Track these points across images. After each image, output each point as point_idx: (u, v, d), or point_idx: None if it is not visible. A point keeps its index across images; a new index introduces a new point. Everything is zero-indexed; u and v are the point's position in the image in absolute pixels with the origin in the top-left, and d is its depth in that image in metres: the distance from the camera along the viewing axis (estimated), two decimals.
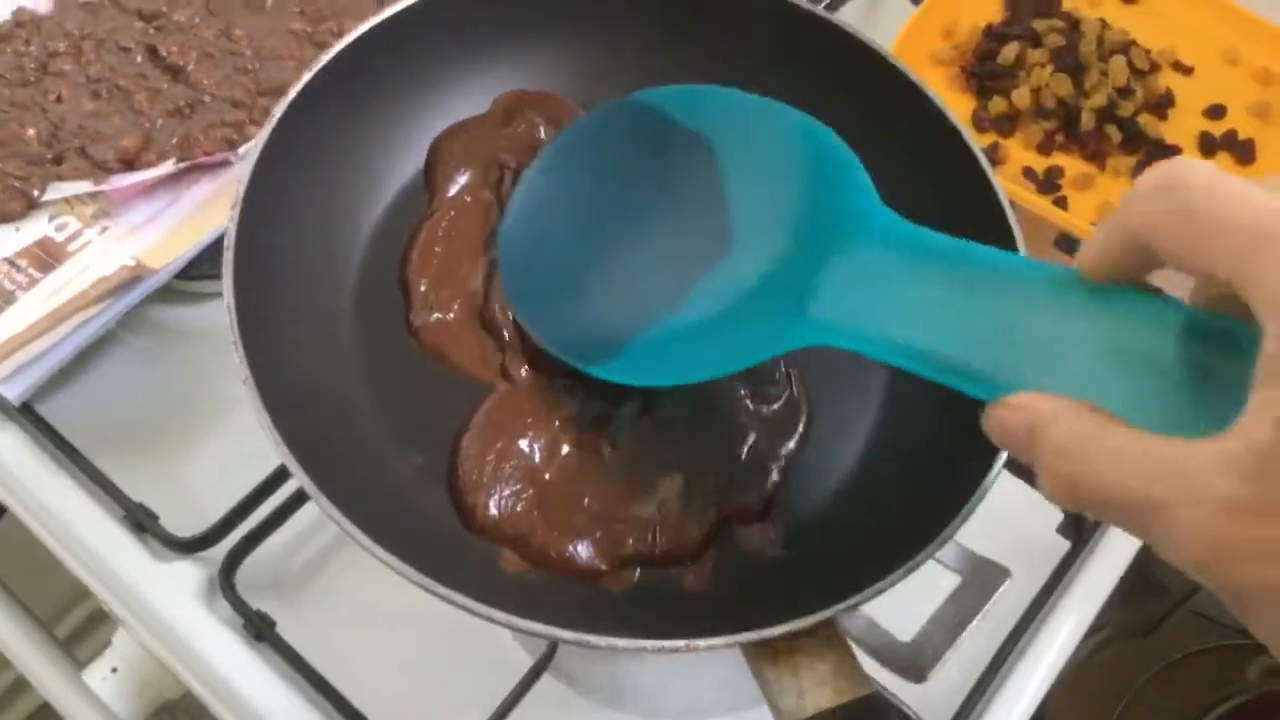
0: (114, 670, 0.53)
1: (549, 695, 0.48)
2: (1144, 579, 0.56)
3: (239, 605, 0.48)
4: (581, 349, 0.40)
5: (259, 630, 0.48)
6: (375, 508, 0.36)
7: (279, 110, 0.41)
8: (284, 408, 0.35)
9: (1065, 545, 0.52)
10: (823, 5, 0.62)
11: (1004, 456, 0.37)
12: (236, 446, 0.53)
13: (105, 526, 0.50)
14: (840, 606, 0.34)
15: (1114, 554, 0.53)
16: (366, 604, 0.50)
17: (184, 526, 0.49)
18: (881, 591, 0.34)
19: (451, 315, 0.44)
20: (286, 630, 0.48)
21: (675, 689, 0.47)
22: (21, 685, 1.11)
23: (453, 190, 0.46)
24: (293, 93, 0.42)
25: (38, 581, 0.60)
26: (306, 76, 0.43)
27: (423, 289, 0.44)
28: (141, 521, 0.50)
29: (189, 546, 0.49)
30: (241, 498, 0.49)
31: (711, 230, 0.38)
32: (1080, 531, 0.52)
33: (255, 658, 0.48)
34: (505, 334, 0.43)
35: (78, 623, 1.00)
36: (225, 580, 0.48)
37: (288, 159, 0.42)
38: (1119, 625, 0.85)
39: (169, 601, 0.49)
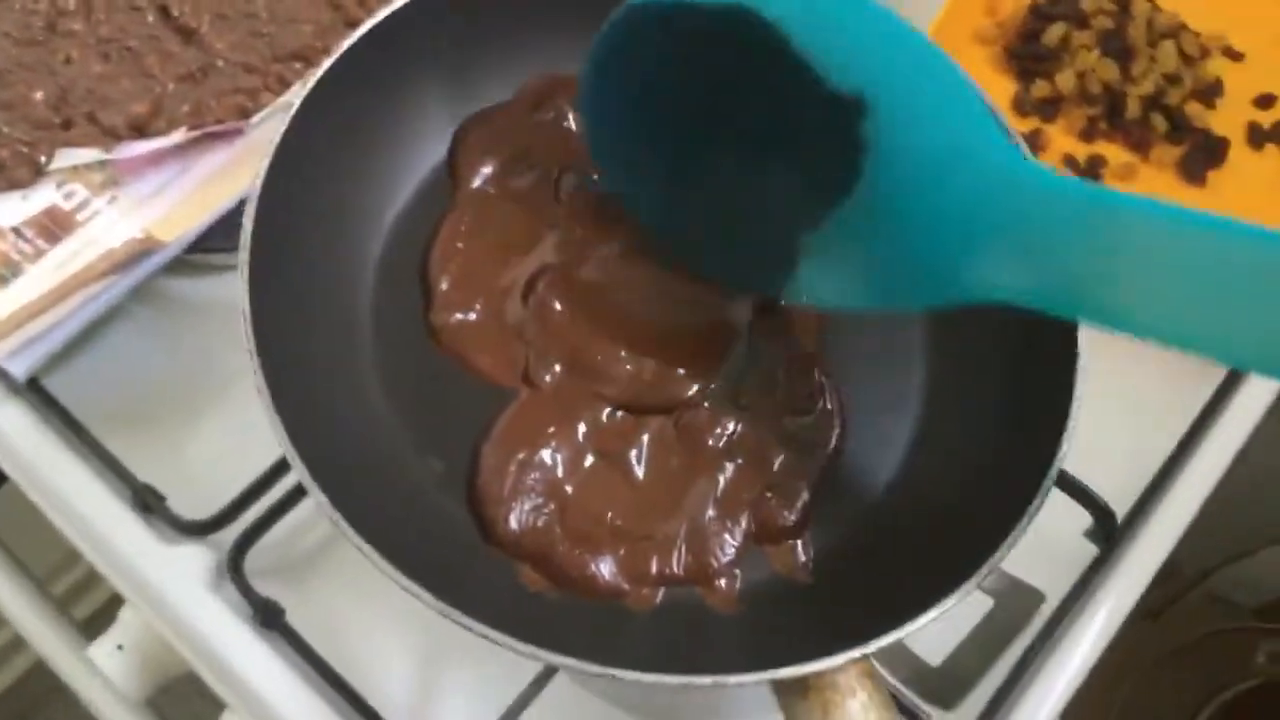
0: (120, 647, 0.52)
1: (563, 693, 0.47)
2: None
3: (247, 592, 0.47)
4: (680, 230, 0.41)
5: (266, 618, 0.47)
6: (390, 521, 0.34)
7: (307, 86, 0.39)
8: (298, 414, 0.34)
9: (1093, 551, 0.51)
10: None
11: (1053, 474, 0.36)
12: (245, 424, 0.51)
13: (111, 507, 0.49)
14: (875, 645, 0.32)
15: (1143, 560, 0.51)
16: (378, 594, 0.49)
17: (191, 508, 0.48)
18: (920, 628, 0.33)
19: (474, 316, 0.42)
20: (295, 618, 0.47)
21: (690, 695, 0.46)
22: (18, 643, 1.11)
23: (477, 182, 0.44)
24: (323, 67, 0.40)
25: (37, 541, 0.59)
26: (339, 50, 0.40)
27: (444, 287, 0.42)
28: (148, 503, 0.49)
29: (197, 530, 0.48)
30: (252, 481, 0.48)
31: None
32: (1109, 538, 0.50)
33: (263, 645, 0.47)
34: (529, 336, 0.42)
35: (77, 579, 1.00)
36: (233, 566, 0.47)
37: (311, 139, 0.40)
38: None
39: (175, 585, 0.48)
